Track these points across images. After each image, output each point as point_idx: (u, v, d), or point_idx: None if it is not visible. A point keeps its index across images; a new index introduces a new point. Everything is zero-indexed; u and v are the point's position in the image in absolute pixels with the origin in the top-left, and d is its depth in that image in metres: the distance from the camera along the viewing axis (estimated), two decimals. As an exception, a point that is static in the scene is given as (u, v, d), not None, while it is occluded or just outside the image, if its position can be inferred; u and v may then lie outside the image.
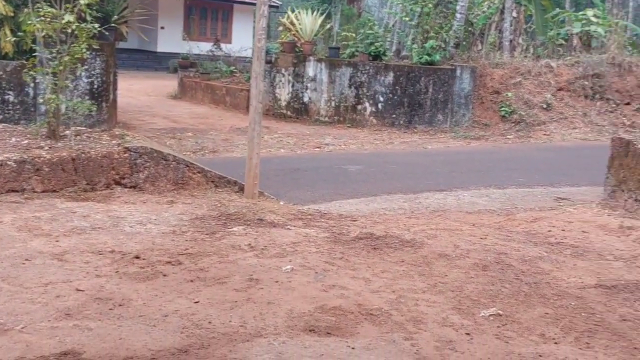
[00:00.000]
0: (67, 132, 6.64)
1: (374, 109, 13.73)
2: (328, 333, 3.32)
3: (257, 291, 3.83)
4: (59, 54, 6.37)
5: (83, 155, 6.10)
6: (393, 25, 21.88)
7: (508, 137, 13.60)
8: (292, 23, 14.46)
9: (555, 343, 3.35)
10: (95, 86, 9.75)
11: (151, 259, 4.28)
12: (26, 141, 6.46)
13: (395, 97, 13.71)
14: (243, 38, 26.01)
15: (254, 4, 8.59)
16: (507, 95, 14.58)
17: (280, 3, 28.89)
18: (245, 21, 27.95)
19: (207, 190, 6.50)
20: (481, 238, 5.30)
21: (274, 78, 14.11)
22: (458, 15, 14.92)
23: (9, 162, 5.77)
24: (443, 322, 3.53)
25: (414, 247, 4.88)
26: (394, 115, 13.73)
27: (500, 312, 3.69)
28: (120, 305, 3.53)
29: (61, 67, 6.39)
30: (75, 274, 3.95)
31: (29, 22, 6.44)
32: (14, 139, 6.55)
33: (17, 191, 5.78)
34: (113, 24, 10.15)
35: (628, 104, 15.40)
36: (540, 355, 3.20)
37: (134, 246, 4.54)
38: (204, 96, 16.55)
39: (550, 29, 17.85)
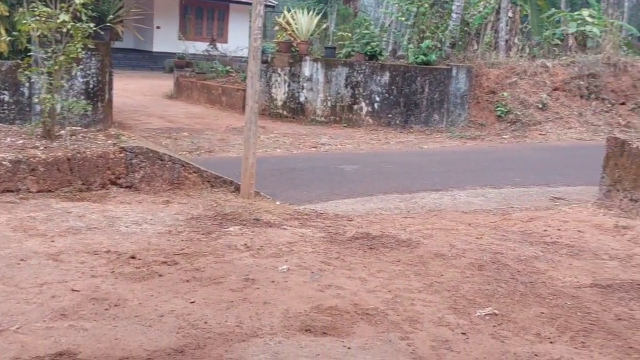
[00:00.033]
0: (63, 132, 6.62)
1: (370, 109, 13.74)
2: (324, 333, 3.32)
3: (253, 291, 3.82)
4: (54, 54, 6.35)
5: (78, 155, 6.08)
6: (389, 25, 21.90)
7: (504, 136, 13.63)
8: (288, 23, 14.45)
9: (551, 342, 3.36)
10: (91, 86, 9.73)
11: (147, 259, 4.27)
12: (21, 141, 6.44)
13: (392, 97, 13.72)
14: (239, 38, 25.98)
15: (250, 4, 8.58)
16: (502, 95, 14.60)
17: (277, 3, 28.88)
18: (241, 21, 27.92)
19: (203, 190, 6.49)
20: (477, 238, 5.30)
21: (270, 78, 14.10)
22: (454, 15, 14.94)
23: (4, 162, 5.75)
24: (439, 322, 3.53)
25: (410, 247, 4.89)
26: (390, 115, 13.74)
27: (496, 311, 3.70)
28: (115, 305, 3.52)
29: (56, 67, 6.37)
30: (70, 274, 3.94)
31: (24, 21, 6.42)
32: (9, 139, 6.53)
33: (12, 191, 5.76)
34: (108, 24, 10.12)
35: (623, 103, 15.45)
36: (535, 355, 3.20)
37: (130, 246, 4.53)
38: (199, 96, 16.52)
39: (545, 29, 17.89)
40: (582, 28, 17.11)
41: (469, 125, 14.09)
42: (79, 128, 7.29)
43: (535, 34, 17.97)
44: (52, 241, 4.55)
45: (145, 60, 26.09)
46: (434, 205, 7.23)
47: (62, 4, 6.42)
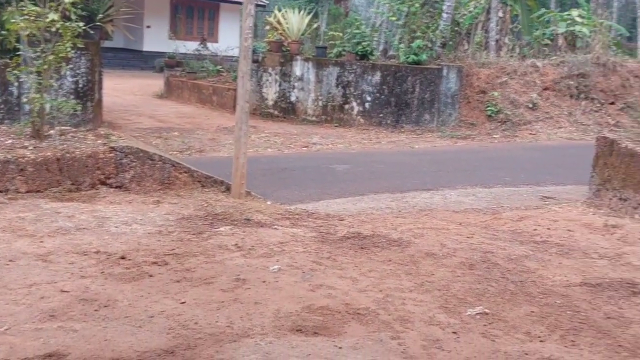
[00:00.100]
0: (52, 131, 6.57)
1: (361, 109, 13.75)
2: (315, 333, 3.32)
3: (244, 291, 3.81)
4: (43, 53, 6.31)
5: (68, 155, 6.04)
6: (380, 25, 21.93)
7: (494, 136, 13.68)
8: (279, 22, 14.43)
9: (541, 341, 3.37)
10: (80, 85, 9.67)
11: (137, 260, 4.25)
12: (10, 141, 6.39)
13: (383, 97, 13.74)
14: (230, 37, 25.92)
15: (240, 3, 8.57)
16: (493, 94, 14.66)
17: (267, 2, 28.85)
18: (231, 20, 27.87)
19: (194, 190, 6.47)
20: (467, 237, 5.32)
21: (261, 77, 14.08)
22: (444, 15, 14.98)
23: (-8, 162, 5.70)
24: (430, 321, 3.54)
25: (401, 247, 4.89)
26: (381, 115, 13.75)
27: (487, 310, 3.71)
28: (105, 306, 3.50)
29: (45, 66, 6.33)
30: (59, 275, 3.91)
31: (13, 20, 6.36)
32: (-3, 139, 6.48)
33: (0, 191, 5.72)
34: (98, 23, 10.07)
35: (612, 103, 15.55)
36: (526, 354, 3.22)
37: (120, 247, 4.51)
38: (190, 95, 16.47)
39: (535, 29, 17.98)
40: (571, 28, 17.21)
41: (459, 125, 14.14)
42: (69, 128, 7.24)
43: (525, 33, 18.06)
44: (41, 242, 4.51)
45: (136, 60, 25.98)
46: (425, 205, 7.25)
47: (51, 3, 6.37)
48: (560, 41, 17.39)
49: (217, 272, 4.11)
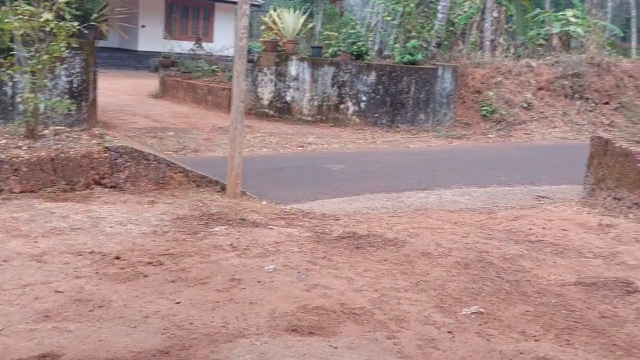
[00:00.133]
0: (46, 131, 6.55)
1: (356, 108, 13.75)
2: (310, 333, 3.32)
3: (239, 291, 3.81)
4: (38, 53, 6.28)
5: (62, 155, 6.02)
6: (375, 25, 21.93)
7: (489, 136, 13.71)
8: (274, 22, 14.42)
9: (536, 340, 3.38)
10: (75, 85, 9.65)
11: (132, 260, 4.24)
12: (4, 141, 6.36)
13: (378, 97, 13.75)
14: (225, 37, 25.90)
15: (235, 3, 8.55)
16: (488, 94, 14.69)
17: (262, 2, 28.83)
18: (227, 20, 27.83)
19: (189, 190, 6.46)
20: (463, 236, 5.33)
21: (256, 77, 14.06)
22: (440, 15, 15.00)
23: (-14, 162, 5.68)
24: (425, 321, 3.54)
25: (397, 246, 4.89)
26: (376, 115, 13.76)
27: (482, 310, 3.71)
28: (100, 306, 3.49)
29: (40, 66, 6.30)
30: (54, 275, 3.90)
31: (7, 20, 6.33)
32: (-9, 139, 6.45)
33: (-6, 192, 5.69)
34: (93, 22, 10.01)
35: (607, 103, 15.60)
36: (521, 353, 3.22)
37: (114, 247, 4.50)
38: (185, 95, 16.44)
39: (530, 29, 18.03)
40: (566, 28, 17.26)
41: (454, 125, 14.16)
42: (63, 128, 7.21)
43: (520, 33, 18.11)
44: (36, 242, 4.50)
45: (130, 60, 25.92)
46: (420, 205, 7.26)
47: (46, 3, 6.35)
48: (555, 41, 17.44)
49: (212, 272, 4.10)
